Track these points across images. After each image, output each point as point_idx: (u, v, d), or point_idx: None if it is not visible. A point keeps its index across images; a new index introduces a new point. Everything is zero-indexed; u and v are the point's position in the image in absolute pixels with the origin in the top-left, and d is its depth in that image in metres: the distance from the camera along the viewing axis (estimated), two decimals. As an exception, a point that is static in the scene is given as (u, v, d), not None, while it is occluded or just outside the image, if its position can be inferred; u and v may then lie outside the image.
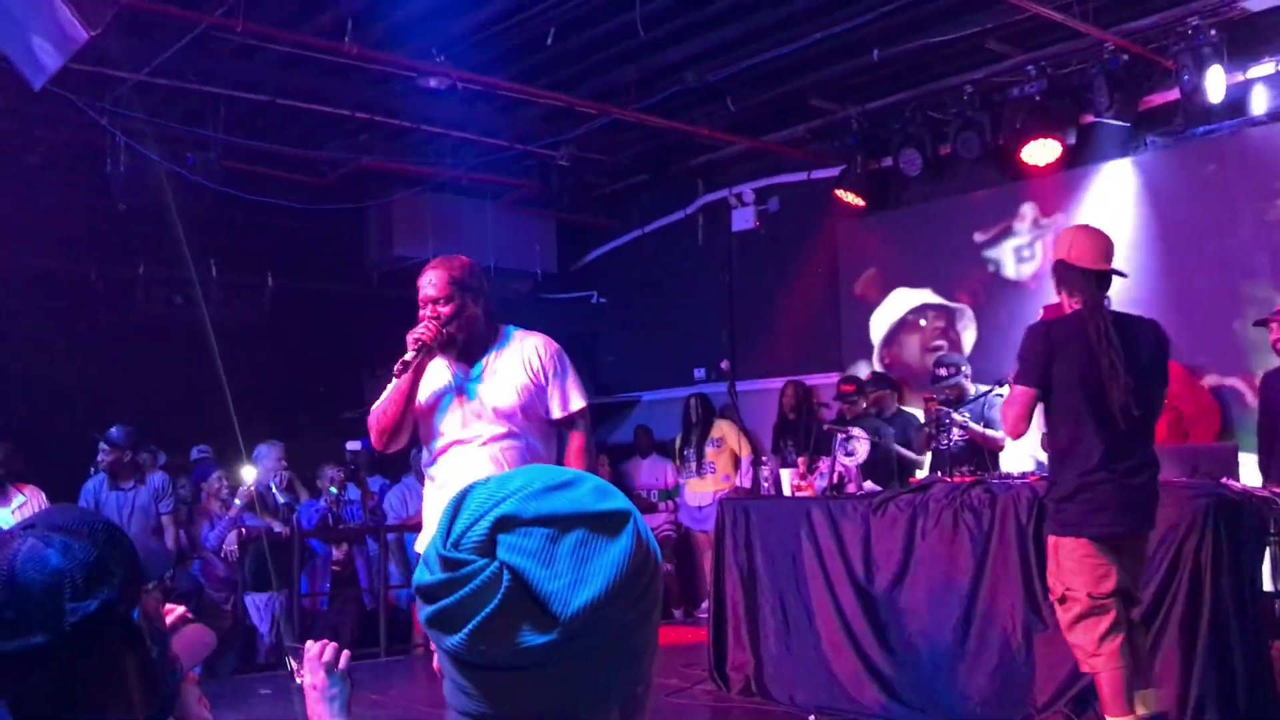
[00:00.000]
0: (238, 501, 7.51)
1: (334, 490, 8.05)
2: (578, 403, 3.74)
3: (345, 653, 2.10)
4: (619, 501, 1.03)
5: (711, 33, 7.23)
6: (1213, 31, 6.46)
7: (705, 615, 7.00)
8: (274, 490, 7.90)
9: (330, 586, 8.24)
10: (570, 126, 8.68)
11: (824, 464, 6.40)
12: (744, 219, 9.87)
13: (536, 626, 0.95)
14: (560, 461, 3.72)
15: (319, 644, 2.10)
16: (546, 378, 3.70)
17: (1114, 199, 7.44)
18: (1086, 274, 4.08)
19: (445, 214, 9.73)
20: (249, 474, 7.61)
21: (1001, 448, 6.85)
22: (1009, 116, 7.41)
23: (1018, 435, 4.25)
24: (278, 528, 7.67)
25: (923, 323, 8.55)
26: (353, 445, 9.61)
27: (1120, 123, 7.11)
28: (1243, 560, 4.42)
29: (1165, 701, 4.22)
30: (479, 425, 3.63)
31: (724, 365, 7.08)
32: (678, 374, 10.22)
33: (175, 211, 8.10)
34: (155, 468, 7.86)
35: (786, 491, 6.31)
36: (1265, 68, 6.69)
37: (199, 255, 9.59)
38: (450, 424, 3.65)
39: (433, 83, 7.10)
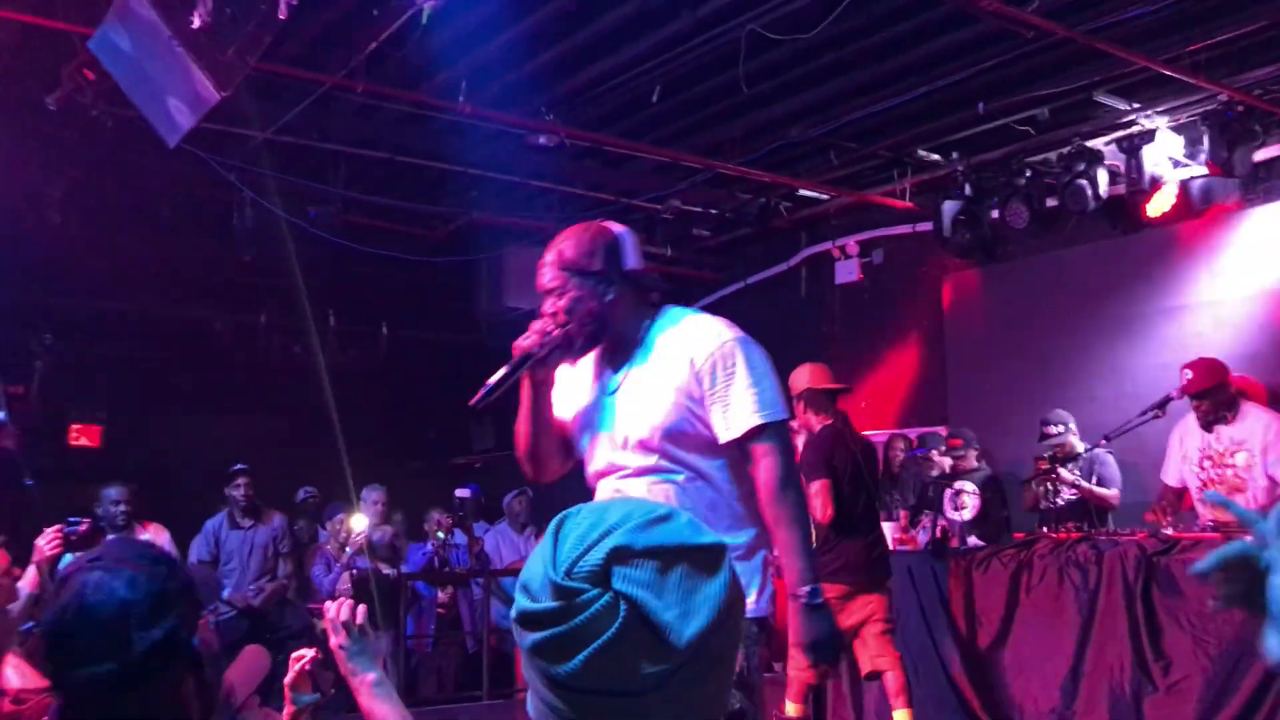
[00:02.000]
0: (348, 550, 7.70)
1: (440, 535, 8.22)
2: (749, 418, 2.62)
3: (361, 608, 2.13)
4: (712, 536, 1.08)
5: (815, 88, 7.31)
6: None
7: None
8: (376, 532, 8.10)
9: (435, 629, 8.39)
10: (675, 180, 8.83)
11: (927, 518, 6.33)
12: (848, 271, 9.87)
13: (652, 655, 0.99)
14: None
15: (335, 603, 2.13)
16: (703, 386, 2.65)
17: (1225, 251, 7.29)
18: (829, 393, 5.66)
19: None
20: (359, 521, 7.81)
21: (1113, 506, 6.70)
22: (1119, 168, 7.31)
23: (828, 520, 5.25)
24: (385, 569, 7.85)
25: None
26: (461, 492, 9.79)
27: (1235, 174, 6.96)
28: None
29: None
30: (621, 455, 2.74)
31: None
32: (780, 426, 10.18)
33: (296, 263, 8.46)
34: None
35: (890, 545, 6.25)
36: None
37: (318, 305, 9.95)
38: (591, 452, 2.83)
39: (542, 140, 7.31)
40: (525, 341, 2.73)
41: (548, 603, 1.01)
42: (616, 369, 2.78)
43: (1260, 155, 6.98)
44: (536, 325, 2.76)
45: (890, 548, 6.19)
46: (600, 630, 0.98)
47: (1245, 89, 6.64)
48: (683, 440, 2.67)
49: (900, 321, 9.48)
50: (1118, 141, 7.33)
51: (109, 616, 1.53)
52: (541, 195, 9.03)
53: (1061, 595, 5.03)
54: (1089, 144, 7.43)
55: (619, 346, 2.78)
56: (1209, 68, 6.55)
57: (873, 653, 5.24)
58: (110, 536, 5.60)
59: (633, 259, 2.79)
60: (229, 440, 10.90)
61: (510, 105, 7.11)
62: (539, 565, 1.04)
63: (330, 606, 2.14)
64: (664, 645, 0.99)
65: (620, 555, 1.01)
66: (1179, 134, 7.13)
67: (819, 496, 5.21)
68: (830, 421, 5.56)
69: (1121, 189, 7.38)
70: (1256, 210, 7.26)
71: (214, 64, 4.56)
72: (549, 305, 2.75)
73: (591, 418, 2.81)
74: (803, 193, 9.00)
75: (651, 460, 2.69)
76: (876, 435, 9.02)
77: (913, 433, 8.89)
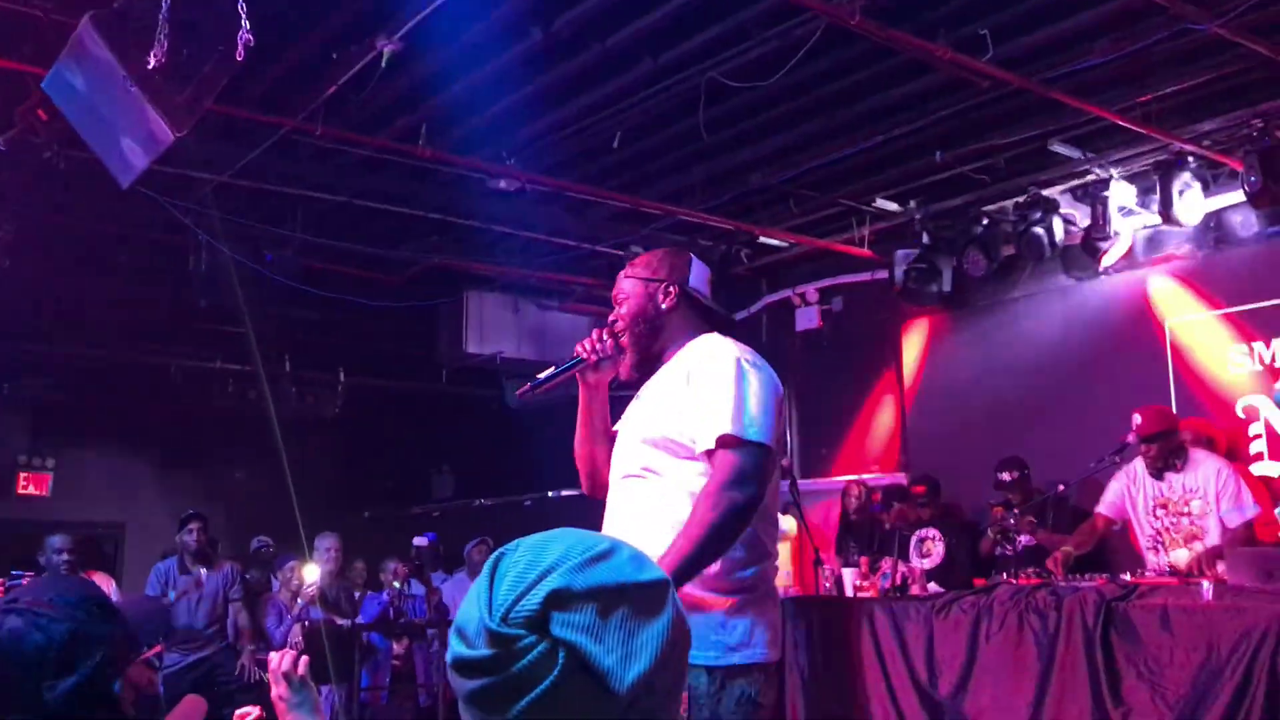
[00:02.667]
0: (300, 601, 7.57)
1: (397, 584, 8.10)
2: (719, 427, 2.53)
3: (304, 659, 2.08)
4: (656, 571, 1.04)
5: (775, 136, 7.37)
6: (1278, 132, 6.44)
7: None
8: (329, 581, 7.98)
9: (390, 681, 8.23)
10: (637, 226, 8.84)
11: (887, 564, 6.31)
12: (808, 318, 9.90)
13: (593, 702, 0.95)
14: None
15: (279, 654, 2.09)
16: (701, 387, 2.62)
17: (1176, 300, 7.41)
18: None
19: (514, 312, 9.91)
20: (311, 572, 7.69)
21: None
22: (1074, 217, 7.41)
23: None
24: (339, 621, 7.72)
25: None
26: (419, 541, 9.68)
27: (1187, 224, 7.06)
28: (1323, 671, 4.26)
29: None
30: (624, 459, 2.77)
31: (785, 463, 7.04)
32: (742, 473, 10.15)
33: (252, 308, 8.38)
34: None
35: (848, 591, 6.22)
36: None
37: (274, 351, 9.86)
38: (615, 457, 2.86)
39: (503, 184, 7.30)
40: (582, 345, 2.85)
41: (483, 650, 0.97)
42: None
43: (1211, 205, 7.08)
44: (596, 332, 2.86)
45: (850, 594, 6.18)
46: (538, 679, 0.94)
47: (1195, 139, 6.75)
48: (669, 450, 2.64)
49: (860, 368, 9.51)
50: (1073, 190, 7.43)
51: (19, 666, 1.46)
52: (503, 240, 9.01)
53: (1022, 642, 5.00)
54: (1044, 193, 7.52)
55: (661, 362, 2.81)
56: (1160, 119, 6.66)
57: None
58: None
59: (698, 280, 2.85)
60: (183, 488, 10.76)
61: (471, 150, 7.11)
62: (474, 609, 1.00)
63: (274, 657, 2.09)
64: (605, 692, 0.95)
65: (559, 599, 0.97)
66: (1131, 183, 7.23)
67: None
68: None
69: (1077, 238, 7.46)
70: (1203, 259, 7.37)
71: (169, 105, 4.51)
72: (612, 315, 2.87)
73: (621, 424, 2.86)
74: (763, 240, 9.04)
75: (638, 466, 2.70)
76: (835, 481, 9.02)
77: (871, 480, 8.89)
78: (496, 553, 1.05)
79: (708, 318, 2.85)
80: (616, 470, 2.80)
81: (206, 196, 7.57)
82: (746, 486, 2.48)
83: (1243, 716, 4.26)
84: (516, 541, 1.06)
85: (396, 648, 8.29)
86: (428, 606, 8.40)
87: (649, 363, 2.82)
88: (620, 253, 9.08)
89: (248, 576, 8.21)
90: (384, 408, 11.32)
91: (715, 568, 2.50)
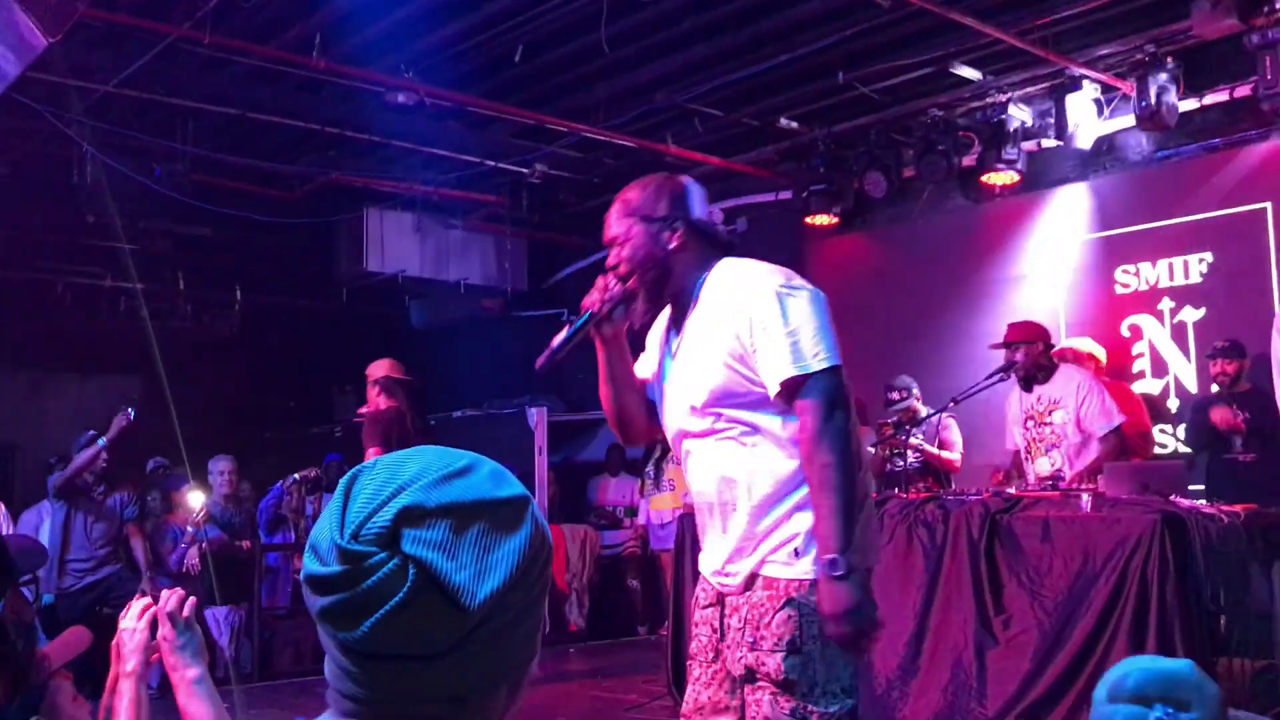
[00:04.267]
0: (190, 529, 7.47)
1: (296, 476, 8.12)
2: (784, 370, 2.44)
3: (191, 600, 2.06)
4: (516, 487, 1.04)
5: (679, 54, 7.30)
6: (1169, 59, 6.57)
7: (667, 634, 7.01)
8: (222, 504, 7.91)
9: (290, 600, 8.21)
10: (541, 144, 8.74)
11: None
12: (713, 239, 9.92)
13: (443, 619, 0.95)
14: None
15: (166, 593, 2.06)
16: (744, 343, 2.49)
17: (1069, 222, 7.57)
18: (400, 382, 6.64)
19: (415, 230, 9.75)
20: (197, 498, 7.59)
21: (955, 469, 6.94)
22: (973, 140, 7.51)
23: None
24: (237, 542, 7.66)
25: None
26: (333, 458, 9.62)
27: (1080, 147, 7.21)
28: (1189, 576, 4.47)
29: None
30: (686, 419, 2.63)
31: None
32: (647, 392, 10.23)
33: (141, 223, 8.12)
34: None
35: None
36: (1221, 95, 6.79)
37: (166, 268, 9.60)
38: (663, 415, 2.74)
39: (401, 98, 7.13)
40: (588, 299, 2.64)
41: (334, 566, 0.96)
42: (678, 329, 2.67)
43: (1104, 129, 7.22)
44: (600, 281, 2.64)
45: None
46: (388, 595, 0.94)
47: (1090, 63, 6.86)
48: (736, 400, 2.53)
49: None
50: (971, 113, 7.51)
51: None
52: (402, 157, 8.84)
53: (911, 553, 5.15)
54: (944, 115, 7.59)
55: (681, 303, 2.65)
56: (1056, 42, 6.75)
57: None
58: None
59: (700, 208, 2.67)
60: (76, 408, 10.47)
61: (367, 62, 6.93)
62: (327, 526, 0.99)
63: (164, 595, 2.06)
64: (456, 608, 0.95)
65: (410, 516, 0.96)
66: (1027, 106, 7.33)
67: None
68: (396, 405, 6.51)
69: (973, 161, 7.56)
70: (1095, 182, 7.53)
71: (40, 8, 4.31)
72: (611, 256, 2.65)
73: (660, 382, 2.73)
74: (669, 159, 9.00)
75: (709, 423, 2.57)
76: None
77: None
78: (353, 470, 1.04)
79: (717, 246, 2.68)
80: (678, 429, 2.67)
81: (92, 108, 7.28)
82: (837, 413, 2.43)
83: (1115, 620, 4.46)
84: (375, 460, 1.05)
85: (297, 563, 8.26)
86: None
87: (662, 306, 2.70)
88: (524, 170, 8.98)
89: (149, 500, 8.08)
90: (283, 327, 11.10)
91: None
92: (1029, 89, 7.31)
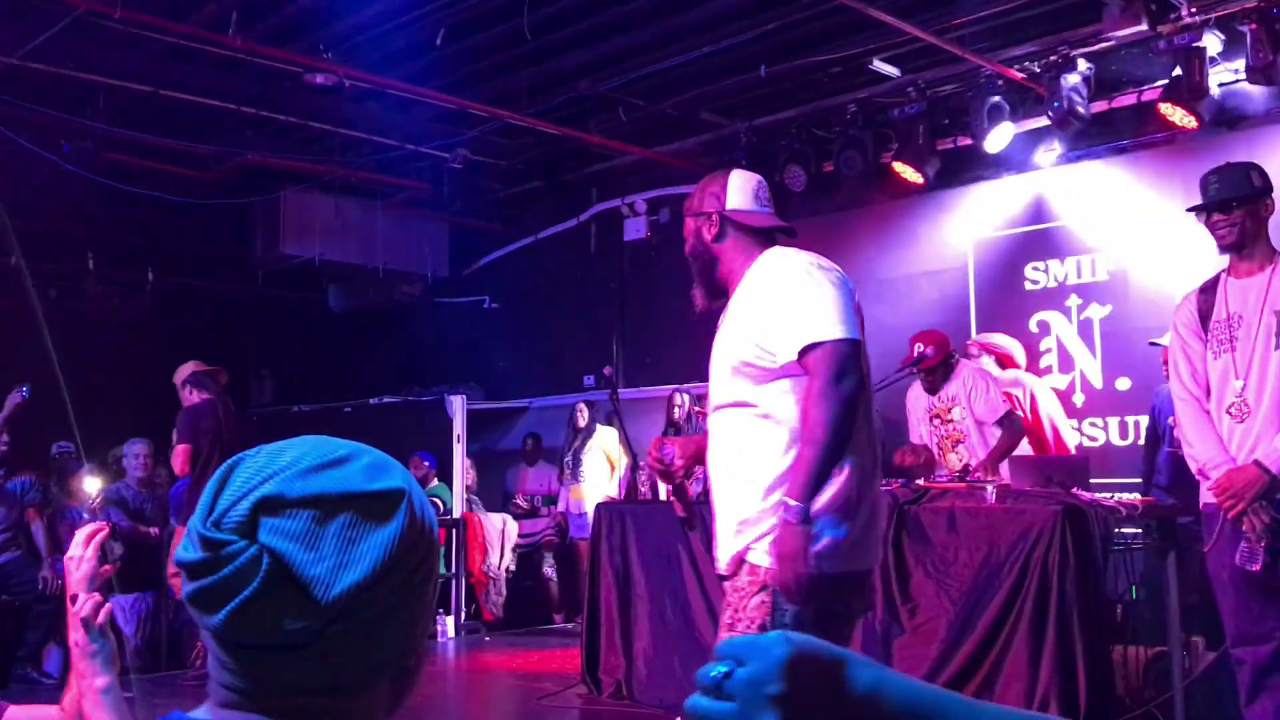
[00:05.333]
0: (84, 514, 7.32)
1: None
2: (796, 339, 2.60)
3: (106, 607, 2.04)
4: (393, 480, 1.02)
5: (603, 42, 7.30)
6: (1081, 61, 6.72)
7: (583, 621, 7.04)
8: (131, 490, 7.75)
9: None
10: (463, 129, 8.67)
11: (700, 470, 6.46)
12: (636, 229, 9.95)
13: (296, 611, 0.95)
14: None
15: (83, 597, 2.03)
16: (763, 320, 2.67)
17: (981, 219, 7.73)
18: (209, 374, 6.91)
19: (334, 213, 9.62)
20: (93, 484, 7.46)
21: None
22: (890, 136, 7.62)
23: (182, 474, 6.64)
24: (143, 529, 7.52)
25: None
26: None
27: (991, 148, 7.34)
28: (1088, 567, 4.60)
29: (1014, 700, 4.37)
30: (714, 392, 2.84)
31: (606, 371, 7.11)
32: (568, 381, 10.25)
33: (50, 201, 7.90)
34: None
35: (663, 496, 6.36)
36: (1130, 98, 6.97)
37: (76, 248, 9.36)
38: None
39: (320, 79, 7.04)
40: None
41: (197, 553, 0.96)
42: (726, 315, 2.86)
43: (1020, 129, 7.36)
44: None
45: (665, 499, 6.33)
46: (243, 584, 0.94)
47: (1005, 63, 6.99)
48: (751, 377, 2.69)
49: (685, 279, 9.56)
50: (889, 109, 7.61)
51: None
52: (321, 139, 8.71)
53: (822, 543, 5.23)
54: (861, 111, 7.69)
55: (729, 290, 2.84)
56: (974, 42, 6.87)
57: None
58: None
59: (737, 199, 2.85)
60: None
61: (286, 42, 6.82)
62: (199, 513, 0.99)
63: (80, 599, 2.01)
64: (309, 600, 0.94)
65: (269, 505, 0.96)
66: (945, 104, 7.46)
67: (180, 457, 6.56)
68: (208, 397, 6.79)
69: (891, 157, 7.66)
70: (1007, 180, 7.69)
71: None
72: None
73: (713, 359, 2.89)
74: (593, 148, 9.00)
75: (726, 398, 2.75)
76: (661, 391, 9.18)
77: (694, 389, 9.07)
78: (233, 458, 1.03)
79: (762, 233, 2.86)
80: (710, 403, 2.86)
81: (-3, 80, 7.07)
82: (846, 379, 2.55)
83: (1018, 608, 4.58)
84: (259, 448, 1.04)
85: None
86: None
87: (717, 294, 2.89)
88: (446, 155, 8.91)
89: (52, 486, 7.88)
90: (197, 309, 10.89)
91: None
92: (945, 87, 7.43)
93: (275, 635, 0.95)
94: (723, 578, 2.79)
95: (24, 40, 6.58)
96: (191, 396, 6.79)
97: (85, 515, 7.29)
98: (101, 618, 2.01)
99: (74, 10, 6.11)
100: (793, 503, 2.51)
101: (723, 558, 2.75)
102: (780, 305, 2.64)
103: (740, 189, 2.87)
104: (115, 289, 9.83)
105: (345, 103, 7.75)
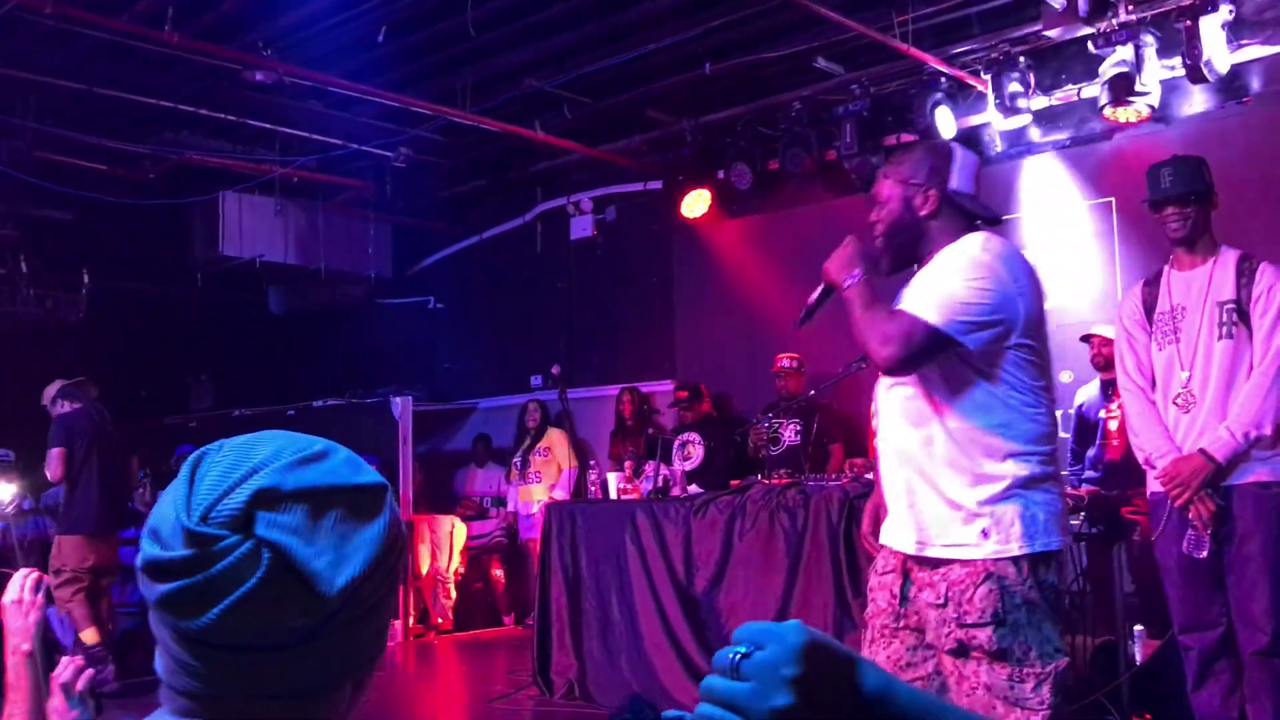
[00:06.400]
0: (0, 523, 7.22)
1: (145, 474, 7.87)
2: (911, 303, 2.62)
3: (87, 673, 1.98)
4: (373, 474, 1.01)
5: (547, 39, 7.26)
6: (1022, 58, 6.79)
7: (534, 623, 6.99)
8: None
9: (137, 595, 7.91)
10: (406, 128, 8.58)
11: (650, 467, 6.46)
12: (582, 227, 9.91)
13: (299, 606, 0.91)
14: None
15: (62, 663, 1.98)
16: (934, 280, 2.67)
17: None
18: (79, 385, 7.00)
19: (274, 213, 9.47)
20: (7, 490, 7.38)
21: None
22: (835, 133, 7.65)
23: (58, 479, 6.78)
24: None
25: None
26: (184, 449, 9.28)
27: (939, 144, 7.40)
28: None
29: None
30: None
31: (554, 370, 7.07)
32: (515, 381, 10.18)
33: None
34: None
35: (613, 495, 6.34)
36: (1067, 91, 7.05)
37: (7, 249, 9.13)
38: None
39: (259, 76, 6.92)
40: (832, 264, 2.78)
41: (179, 550, 0.91)
42: None
43: (963, 124, 7.41)
44: (844, 244, 2.79)
45: (614, 497, 6.30)
46: (240, 580, 0.89)
47: (948, 60, 7.04)
48: None
49: (632, 278, 9.61)
50: (833, 107, 7.64)
51: None
52: (262, 137, 8.58)
53: (773, 538, 5.23)
54: (806, 109, 7.71)
55: (923, 264, 2.75)
56: (917, 39, 6.91)
57: None
58: None
59: (961, 180, 2.74)
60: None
61: (224, 38, 6.69)
62: (170, 509, 0.94)
63: (62, 663, 1.95)
64: (313, 595, 0.91)
65: (265, 498, 0.92)
66: (888, 102, 7.50)
67: (54, 461, 6.66)
68: (80, 405, 6.93)
69: (835, 155, 7.69)
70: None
71: None
72: (872, 214, 2.79)
73: None
74: (537, 145, 8.94)
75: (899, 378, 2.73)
76: (609, 390, 9.15)
77: (643, 386, 9.06)
78: (198, 452, 0.98)
79: (972, 217, 2.77)
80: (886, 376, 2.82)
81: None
82: (890, 344, 2.58)
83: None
84: (221, 442, 1.00)
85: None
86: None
87: (906, 265, 2.80)
88: (389, 154, 8.81)
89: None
90: (135, 313, 10.65)
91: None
92: (889, 84, 7.47)
93: (272, 634, 0.91)
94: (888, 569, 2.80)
95: (-50, 36, 6.40)
96: (63, 408, 6.91)
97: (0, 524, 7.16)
98: (81, 684, 1.94)
99: (3, 5, 5.94)
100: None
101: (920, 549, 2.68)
102: (929, 276, 2.65)
103: (965, 169, 2.78)
104: (48, 292, 9.59)
105: (285, 100, 7.63)
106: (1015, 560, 2.54)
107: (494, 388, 10.47)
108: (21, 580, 2.05)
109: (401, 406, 9.00)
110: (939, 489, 2.63)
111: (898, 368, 2.63)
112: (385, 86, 7.65)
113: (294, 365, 11.27)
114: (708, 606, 5.45)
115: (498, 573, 9.33)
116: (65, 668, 1.96)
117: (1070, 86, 6.94)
